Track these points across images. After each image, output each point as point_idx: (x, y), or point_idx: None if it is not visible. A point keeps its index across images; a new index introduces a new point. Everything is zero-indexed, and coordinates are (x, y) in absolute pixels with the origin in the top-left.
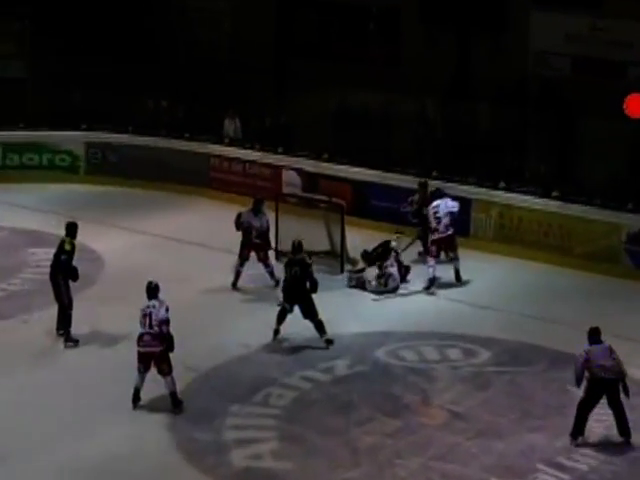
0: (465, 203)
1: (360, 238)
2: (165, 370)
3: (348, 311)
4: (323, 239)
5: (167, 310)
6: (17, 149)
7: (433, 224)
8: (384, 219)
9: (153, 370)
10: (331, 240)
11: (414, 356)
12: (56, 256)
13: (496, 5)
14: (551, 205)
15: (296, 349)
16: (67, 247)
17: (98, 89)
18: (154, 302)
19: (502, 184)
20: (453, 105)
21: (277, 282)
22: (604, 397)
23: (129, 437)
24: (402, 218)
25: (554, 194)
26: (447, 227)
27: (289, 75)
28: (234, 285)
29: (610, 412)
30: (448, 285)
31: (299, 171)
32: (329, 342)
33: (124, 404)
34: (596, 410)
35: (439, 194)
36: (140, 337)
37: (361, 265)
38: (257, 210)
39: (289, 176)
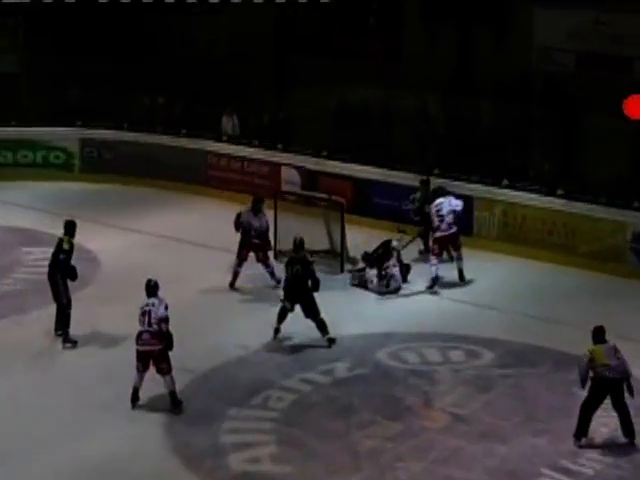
0: (468, 201)
1: (360, 237)
2: (164, 369)
3: (348, 311)
4: (323, 238)
5: (166, 308)
6: (10, 146)
7: (435, 222)
8: (385, 217)
9: (152, 369)
10: (331, 239)
11: (416, 358)
12: (54, 255)
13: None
14: (555, 203)
15: (295, 350)
16: (65, 246)
17: (93, 85)
18: (153, 300)
19: (505, 182)
20: (455, 101)
21: (278, 282)
22: (608, 398)
23: (126, 440)
24: (403, 216)
25: (558, 192)
26: (450, 225)
27: (288, 71)
28: (232, 285)
29: (615, 414)
30: (450, 285)
31: (298, 168)
32: (331, 341)
33: (122, 405)
34: (601, 413)
35: (442, 192)
36: (139, 335)
37: (361, 265)
38: (257, 210)
39: (288, 174)
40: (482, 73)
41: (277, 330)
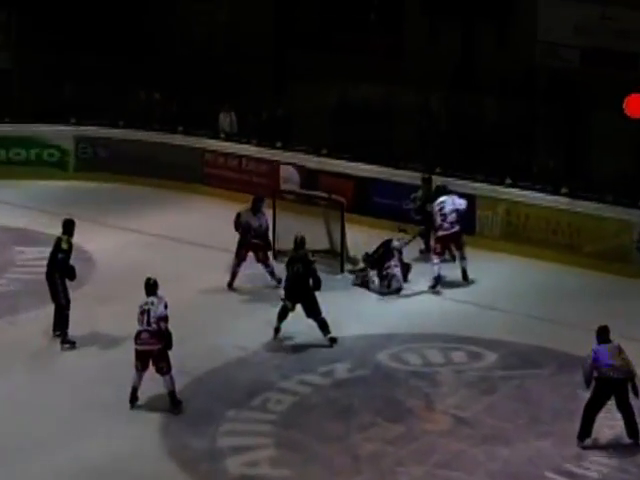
0: (470, 200)
1: (361, 236)
2: (164, 369)
3: (349, 312)
4: (322, 237)
5: (166, 307)
6: (3, 144)
7: (438, 221)
8: (386, 216)
9: (151, 369)
10: (331, 238)
11: (417, 359)
12: (53, 255)
13: None
14: (560, 202)
15: (295, 351)
16: (64, 245)
17: (88, 81)
18: (152, 299)
19: (509, 180)
20: (458, 98)
21: (279, 281)
22: (612, 399)
23: (122, 441)
24: (405, 215)
25: (563, 190)
26: (452, 224)
27: (287, 67)
28: (230, 285)
29: (619, 416)
30: (452, 285)
31: (298, 167)
32: (333, 341)
33: (120, 405)
34: (606, 415)
35: (444, 190)
36: (138, 335)
37: (361, 265)
38: (256, 209)
39: (287, 172)
40: (485, 69)
41: (277, 330)
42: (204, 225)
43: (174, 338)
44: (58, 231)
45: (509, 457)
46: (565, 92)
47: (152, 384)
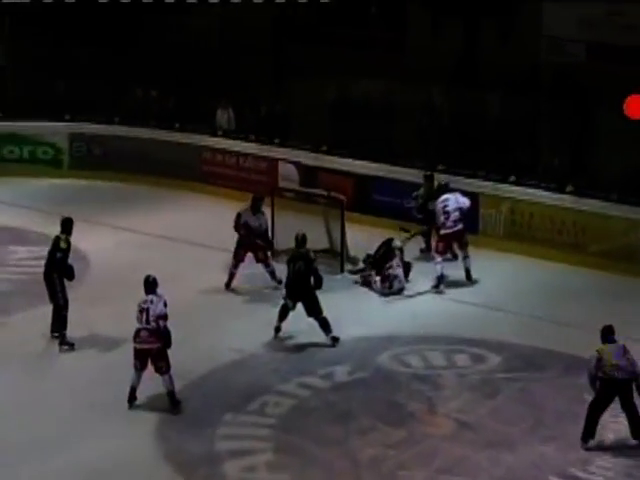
0: (473, 198)
1: (361, 235)
2: (163, 368)
3: (349, 313)
4: (322, 236)
5: (165, 305)
6: None
7: (441, 219)
8: (387, 215)
9: (150, 368)
10: (330, 238)
11: (419, 362)
12: (51, 254)
13: None
14: (565, 200)
15: (294, 353)
16: (62, 245)
17: (83, 77)
18: (152, 297)
19: (513, 178)
20: (460, 94)
21: (280, 282)
22: (616, 401)
23: (118, 445)
24: (406, 214)
25: (568, 189)
26: (456, 222)
27: (286, 61)
28: (228, 286)
29: (624, 420)
30: (455, 285)
31: (296, 164)
32: (335, 340)
33: (116, 407)
34: (610, 418)
35: (446, 188)
36: (137, 333)
37: (362, 265)
38: (256, 209)
39: (286, 169)
40: (489, 64)
41: (278, 329)
42: (201, 224)
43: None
44: (52, 230)
45: (513, 462)
46: (570, 88)
47: (151, 384)
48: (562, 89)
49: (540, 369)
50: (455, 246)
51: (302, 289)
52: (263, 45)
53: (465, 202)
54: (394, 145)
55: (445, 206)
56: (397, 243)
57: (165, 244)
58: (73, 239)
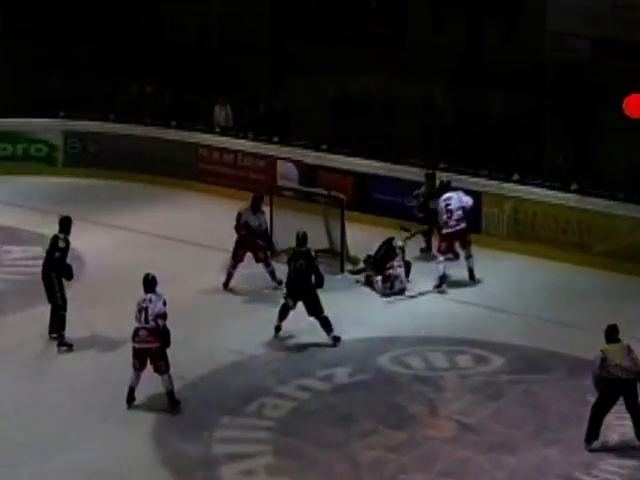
0: (476, 197)
1: (361, 235)
2: (162, 368)
3: (350, 314)
4: (322, 236)
5: (165, 304)
6: None
7: (444, 217)
8: (387, 214)
9: (149, 368)
10: (330, 237)
11: (420, 363)
12: (49, 253)
13: None
14: (569, 199)
15: (293, 355)
16: (61, 244)
17: (77, 73)
18: (151, 296)
19: (516, 176)
20: (462, 91)
21: (280, 283)
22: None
23: (114, 449)
24: (407, 213)
25: (573, 187)
26: (458, 221)
27: (285, 58)
28: (226, 286)
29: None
30: (457, 285)
31: (296, 162)
32: (336, 339)
33: (112, 409)
34: (616, 422)
35: (449, 186)
36: (136, 332)
37: (362, 265)
38: (256, 208)
39: (285, 168)
40: (491, 60)
41: (278, 328)
42: (198, 223)
43: None
44: (46, 229)
45: (516, 465)
46: (575, 84)
47: (150, 383)
48: (566, 86)
49: (544, 371)
50: (457, 245)
51: (303, 288)
52: (262, 41)
53: (468, 201)
54: (395, 143)
55: (448, 204)
56: (398, 242)
57: (162, 243)
58: None
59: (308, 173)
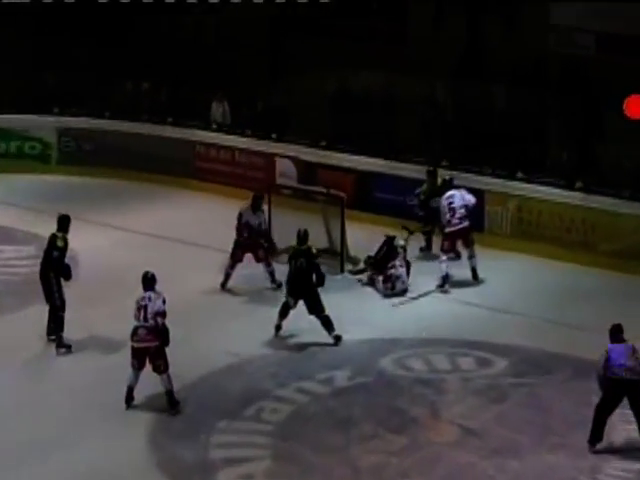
0: (479, 195)
1: (362, 234)
2: (161, 367)
3: (350, 315)
4: (321, 235)
5: (164, 302)
6: None
7: (447, 216)
8: (388, 213)
9: (148, 367)
10: (330, 236)
11: (422, 365)
12: (47, 253)
13: None
14: (574, 197)
15: (292, 357)
16: (60, 243)
17: (72, 69)
18: (150, 294)
19: (520, 174)
20: (464, 87)
21: (279, 285)
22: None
23: (109, 453)
24: (408, 212)
25: (577, 185)
26: (461, 219)
27: (284, 53)
28: (223, 286)
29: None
30: (460, 285)
31: (294, 160)
32: (338, 339)
33: (114, 408)
34: (622, 424)
35: (451, 184)
36: (134, 331)
37: (362, 265)
38: (256, 207)
39: (283, 165)
40: (494, 56)
41: (278, 327)
42: (195, 222)
43: None
44: (39, 228)
45: (520, 470)
46: (579, 81)
47: (149, 383)
48: (571, 82)
49: (548, 373)
50: (460, 244)
51: (303, 286)
52: (260, 37)
53: (471, 200)
54: (396, 140)
55: (451, 202)
56: (400, 242)
57: (158, 243)
58: None
59: (307, 171)
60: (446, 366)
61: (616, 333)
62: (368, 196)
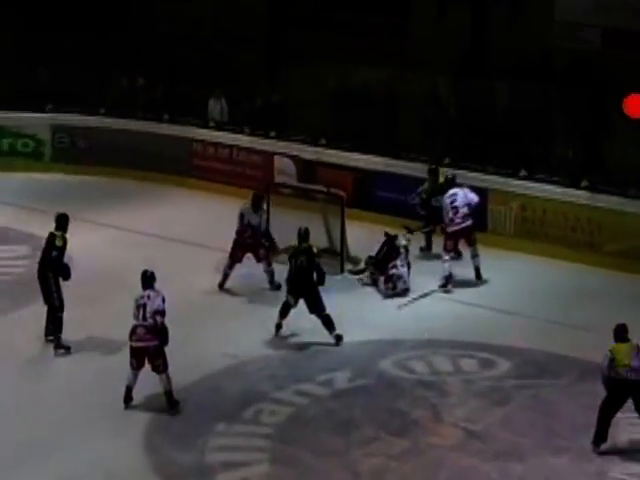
0: (482, 194)
1: (362, 233)
2: (160, 367)
3: (350, 315)
4: (321, 235)
5: (163, 300)
6: None
7: (450, 214)
8: (389, 212)
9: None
10: (330, 236)
11: (424, 367)
12: (45, 252)
13: None
14: (579, 196)
15: (291, 358)
16: (58, 243)
17: (66, 65)
18: (149, 292)
19: (524, 172)
20: (467, 83)
21: (277, 287)
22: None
23: (105, 456)
24: (410, 211)
25: (583, 184)
26: (464, 218)
27: (283, 49)
28: (221, 286)
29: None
30: (462, 285)
31: (294, 158)
32: (339, 338)
33: (113, 408)
34: (629, 426)
35: (453, 182)
36: (133, 330)
37: (362, 265)
38: (257, 206)
39: (282, 163)
40: (497, 51)
41: (279, 326)
42: (192, 221)
43: None
44: (33, 228)
45: (523, 474)
46: (585, 76)
47: (148, 383)
48: (576, 77)
49: (553, 375)
50: (463, 243)
51: (304, 285)
52: (258, 32)
53: (474, 198)
54: (397, 137)
55: (453, 201)
56: (402, 241)
57: (154, 242)
58: None
59: (306, 169)
60: (448, 368)
61: (621, 333)
62: (368, 195)
